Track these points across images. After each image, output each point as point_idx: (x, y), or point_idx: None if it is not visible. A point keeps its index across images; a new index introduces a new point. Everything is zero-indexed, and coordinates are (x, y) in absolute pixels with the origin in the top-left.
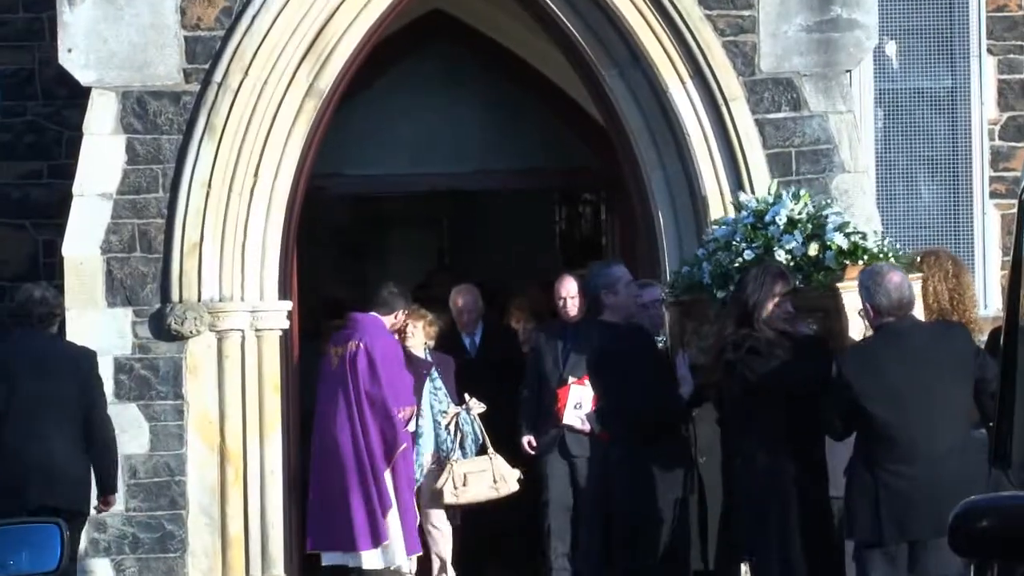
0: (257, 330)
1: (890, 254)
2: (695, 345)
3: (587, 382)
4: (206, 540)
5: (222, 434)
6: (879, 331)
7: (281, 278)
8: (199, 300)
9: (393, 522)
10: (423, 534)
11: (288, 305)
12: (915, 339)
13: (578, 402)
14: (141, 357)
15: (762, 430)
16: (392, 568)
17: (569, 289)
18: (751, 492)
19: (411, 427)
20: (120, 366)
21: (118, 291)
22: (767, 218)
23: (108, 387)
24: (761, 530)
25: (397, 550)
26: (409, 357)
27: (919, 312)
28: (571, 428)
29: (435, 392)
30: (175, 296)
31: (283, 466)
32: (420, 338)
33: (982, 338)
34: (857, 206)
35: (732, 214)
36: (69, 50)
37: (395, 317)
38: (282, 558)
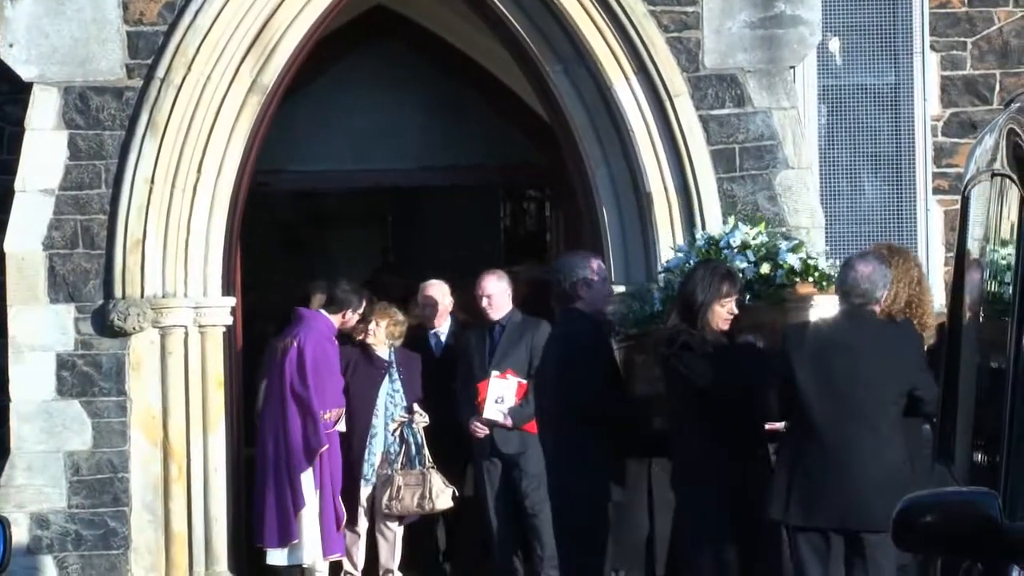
0: (200, 326)
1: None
2: (641, 378)
3: (509, 376)
4: (149, 537)
5: (165, 430)
6: (832, 317)
7: (224, 274)
8: (142, 296)
9: (307, 522)
10: (373, 538)
11: (231, 301)
12: (861, 330)
13: (499, 396)
14: (84, 353)
15: (700, 430)
16: (304, 567)
17: (486, 288)
18: (691, 494)
19: (341, 427)
20: (62, 362)
21: (60, 287)
22: (721, 243)
23: (50, 383)
24: (699, 538)
25: (307, 550)
26: (369, 356)
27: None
28: (492, 422)
29: (392, 394)
30: (118, 292)
31: (227, 462)
32: (382, 336)
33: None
34: (801, 202)
35: (677, 208)
36: (10, 45)
37: (344, 316)
38: (226, 554)
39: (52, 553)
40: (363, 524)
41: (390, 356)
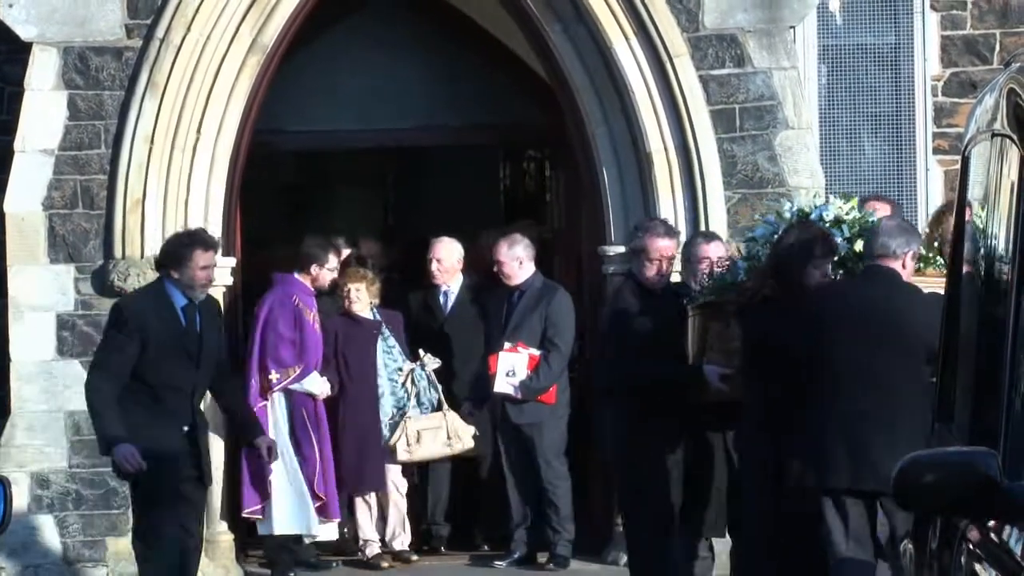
0: None
1: (937, 257)
2: (718, 349)
3: (520, 349)
4: None
5: None
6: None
7: (224, 234)
8: (142, 256)
9: (276, 490)
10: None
11: (232, 261)
12: (880, 289)
13: (510, 369)
14: (84, 314)
15: (757, 391)
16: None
17: (502, 252)
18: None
19: (314, 388)
20: (63, 323)
21: (60, 247)
22: (812, 216)
23: (50, 343)
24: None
25: (276, 519)
26: (357, 321)
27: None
28: (504, 396)
29: (388, 350)
30: (118, 252)
31: (224, 424)
32: (365, 299)
33: None
34: (801, 162)
35: (677, 169)
36: (10, 5)
37: (313, 273)
38: (226, 515)
39: (53, 512)
40: (399, 487)
41: (374, 317)
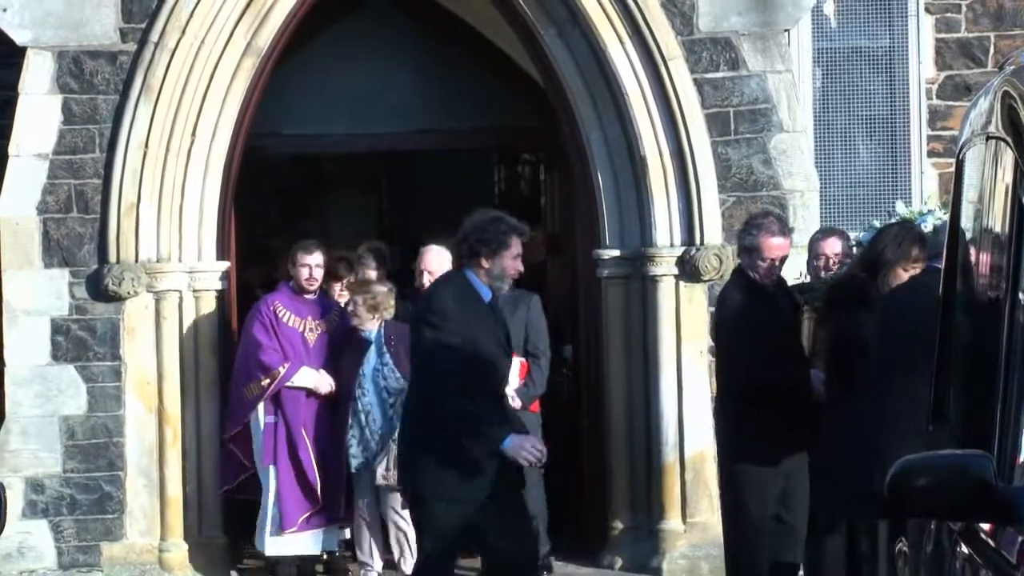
0: (195, 291)
1: None
2: (822, 354)
3: (514, 358)
4: (144, 501)
5: (160, 395)
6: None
7: (219, 238)
8: (136, 261)
9: (262, 508)
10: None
11: (226, 266)
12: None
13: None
14: (78, 318)
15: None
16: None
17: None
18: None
19: (331, 387)
20: (57, 327)
21: (55, 252)
22: (916, 222)
23: (45, 348)
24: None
25: (261, 537)
26: (352, 336)
27: None
28: None
29: (380, 368)
30: (112, 257)
31: (220, 427)
32: (363, 313)
33: None
34: (795, 165)
35: (672, 172)
36: (4, 9)
37: (291, 273)
38: (221, 519)
39: (47, 517)
40: (368, 510)
41: (380, 331)
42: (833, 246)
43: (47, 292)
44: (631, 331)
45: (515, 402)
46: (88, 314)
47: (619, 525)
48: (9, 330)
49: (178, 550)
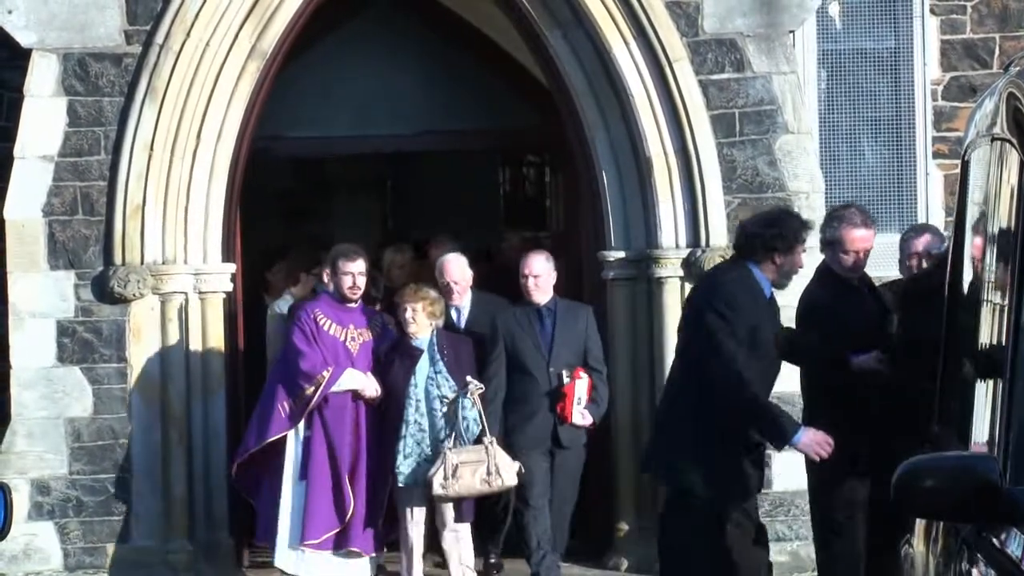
0: (200, 292)
1: None
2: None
3: (583, 375)
4: (150, 503)
5: (165, 397)
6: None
7: (224, 240)
8: (142, 263)
9: (281, 519)
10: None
11: (231, 268)
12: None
13: (579, 397)
14: (84, 320)
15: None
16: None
17: (533, 268)
18: None
19: (377, 391)
20: (63, 329)
21: (60, 254)
22: None
23: (50, 350)
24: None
25: (279, 550)
26: (404, 345)
27: None
28: (575, 425)
29: (434, 376)
30: (118, 259)
31: (226, 429)
32: (423, 321)
33: None
34: (801, 167)
35: (677, 173)
36: (9, 11)
37: (325, 279)
38: (227, 520)
39: (53, 519)
40: (416, 527)
41: (433, 340)
42: (926, 244)
43: (53, 294)
44: (636, 333)
45: (586, 419)
46: (94, 316)
47: (625, 527)
48: (15, 332)
49: (184, 551)
